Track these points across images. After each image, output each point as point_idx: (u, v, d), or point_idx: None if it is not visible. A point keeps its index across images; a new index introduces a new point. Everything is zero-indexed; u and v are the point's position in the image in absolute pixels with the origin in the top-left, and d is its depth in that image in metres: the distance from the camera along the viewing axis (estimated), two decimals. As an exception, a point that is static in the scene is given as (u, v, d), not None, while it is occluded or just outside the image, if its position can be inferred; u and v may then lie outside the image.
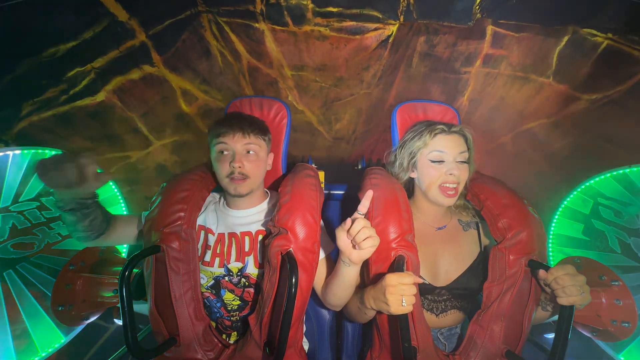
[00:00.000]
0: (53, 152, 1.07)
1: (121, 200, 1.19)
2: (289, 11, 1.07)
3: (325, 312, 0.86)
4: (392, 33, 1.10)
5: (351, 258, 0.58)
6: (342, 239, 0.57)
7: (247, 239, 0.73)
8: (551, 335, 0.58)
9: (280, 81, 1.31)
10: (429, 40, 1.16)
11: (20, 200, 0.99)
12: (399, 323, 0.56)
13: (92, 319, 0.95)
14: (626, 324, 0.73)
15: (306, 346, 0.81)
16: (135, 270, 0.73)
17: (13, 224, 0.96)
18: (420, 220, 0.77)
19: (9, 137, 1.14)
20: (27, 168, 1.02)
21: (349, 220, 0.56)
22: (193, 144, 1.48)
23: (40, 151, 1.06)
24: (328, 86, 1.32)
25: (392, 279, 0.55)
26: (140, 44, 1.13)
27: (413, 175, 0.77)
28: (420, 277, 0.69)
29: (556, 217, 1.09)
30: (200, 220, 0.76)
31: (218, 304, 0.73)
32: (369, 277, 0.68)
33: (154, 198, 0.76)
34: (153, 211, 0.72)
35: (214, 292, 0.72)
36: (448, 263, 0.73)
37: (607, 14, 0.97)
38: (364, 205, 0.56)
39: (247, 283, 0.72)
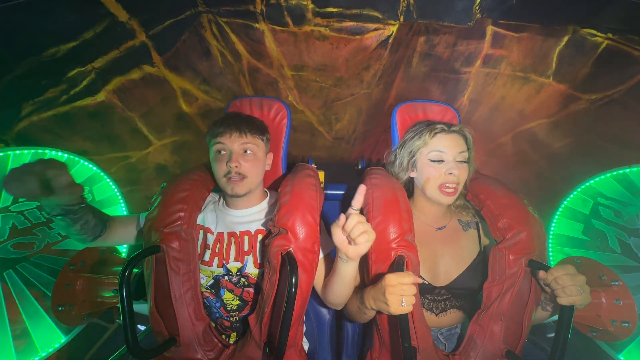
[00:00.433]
0: (53, 152, 1.07)
1: (121, 200, 1.19)
2: (289, 11, 1.07)
3: (325, 312, 0.86)
4: (392, 33, 1.11)
5: (348, 254, 0.57)
6: (338, 235, 0.56)
7: (246, 238, 0.73)
8: (551, 335, 0.58)
9: (280, 81, 1.31)
10: (429, 41, 1.16)
11: (20, 200, 0.99)
12: (399, 323, 0.56)
13: (92, 319, 0.95)
14: (626, 324, 0.73)
15: (306, 346, 0.81)
16: (135, 270, 0.73)
17: (13, 224, 0.97)
18: (420, 220, 0.77)
19: (9, 137, 1.14)
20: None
21: (342, 216, 0.55)
22: (193, 144, 1.48)
23: (40, 151, 1.06)
24: (328, 86, 1.32)
25: (391, 279, 0.55)
26: (140, 44, 1.13)
27: (413, 174, 0.77)
28: (420, 277, 0.69)
29: (556, 217, 1.09)
30: (199, 220, 0.76)
31: (217, 304, 0.73)
32: (369, 277, 0.68)
33: (154, 198, 0.76)
34: (153, 211, 0.73)
35: (213, 292, 0.72)
36: (448, 263, 0.73)
37: (606, 14, 0.97)
38: (357, 200, 0.55)
39: (246, 283, 0.72)
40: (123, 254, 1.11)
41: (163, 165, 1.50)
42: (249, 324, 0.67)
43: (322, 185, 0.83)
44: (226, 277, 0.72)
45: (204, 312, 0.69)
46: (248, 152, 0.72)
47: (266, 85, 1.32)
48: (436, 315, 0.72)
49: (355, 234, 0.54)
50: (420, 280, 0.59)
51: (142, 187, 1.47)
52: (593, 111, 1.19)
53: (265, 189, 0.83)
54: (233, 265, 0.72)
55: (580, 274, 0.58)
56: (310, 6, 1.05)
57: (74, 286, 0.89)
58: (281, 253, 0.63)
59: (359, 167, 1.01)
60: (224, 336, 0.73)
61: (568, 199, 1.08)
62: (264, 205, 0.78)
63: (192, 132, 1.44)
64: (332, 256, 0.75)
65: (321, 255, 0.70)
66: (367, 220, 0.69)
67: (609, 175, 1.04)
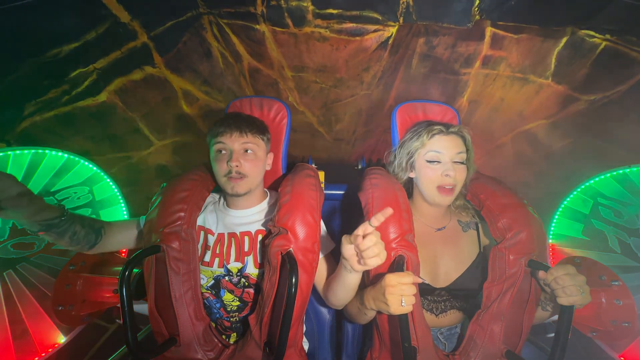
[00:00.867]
0: (53, 152, 1.08)
1: (121, 201, 1.19)
2: (289, 13, 1.07)
3: (325, 312, 0.85)
4: (391, 34, 1.11)
5: (354, 267, 0.56)
6: (348, 248, 0.54)
7: (246, 239, 0.74)
8: (551, 335, 0.58)
9: (280, 82, 1.32)
10: (429, 42, 1.17)
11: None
12: (399, 323, 0.56)
13: (92, 319, 0.95)
14: (626, 324, 0.73)
15: (306, 346, 0.81)
16: (135, 270, 0.73)
17: (13, 224, 0.97)
18: (419, 221, 0.77)
19: (12, 137, 1.14)
20: (27, 168, 1.03)
21: (360, 231, 0.51)
22: (194, 145, 1.48)
23: (41, 151, 1.06)
24: (328, 87, 1.32)
25: (391, 279, 0.55)
26: (141, 45, 1.14)
27: (412, 175, 0.77)
28: (419, 277, 0.69)
29: (556, 217, 1.09)
30: (199, 221, 0.76)
31: (218, 305, 0.73)
32: (369, 277, 0.68)
33: (154, 198, 0.76)
34: (153, 211, 0.73)
35: (213, 292, 0.72)
36: (447, 264, 0.73)
37: (605, 15, 0.97)
38: (377, 219, 0.51)
39: (246, 283, 0.72)
40: (123, 254, 1.11)
41: (164, 165, 1.50)
42: (249, 324, 0.67)
43: (322, 185, 0.83)
44: (226, 278, 0.72)
45: (204, 312, 0.69)
46: (249, 151, 0.72)
47: (267, 86, 1.33)
48: (436, 316, 0.72)
49: (368, 255, 0.51)
50: (420, 280, 0.59)
51: (143, 188, 1.47)
52: (592, 112, 1.19)
53: (266, 189, 0.83)
54: (233, 266, 0.72)
55: (580, 274, 0.58)
56: (311, 8, 1.05)
57: (74, 286, 0.89)
58: (281, 253, 0.63)
59: (359, 167, 1.01)
60: (224, 336, 0.73)
61: (568, 199, 1.08)
62: (264, 206, 0.78)
63: (192, 132, 1.45)
64: (332, 255, 0.75)
65: (322, 254, 0.70)
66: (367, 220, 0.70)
67: (609, 175, 1.04)
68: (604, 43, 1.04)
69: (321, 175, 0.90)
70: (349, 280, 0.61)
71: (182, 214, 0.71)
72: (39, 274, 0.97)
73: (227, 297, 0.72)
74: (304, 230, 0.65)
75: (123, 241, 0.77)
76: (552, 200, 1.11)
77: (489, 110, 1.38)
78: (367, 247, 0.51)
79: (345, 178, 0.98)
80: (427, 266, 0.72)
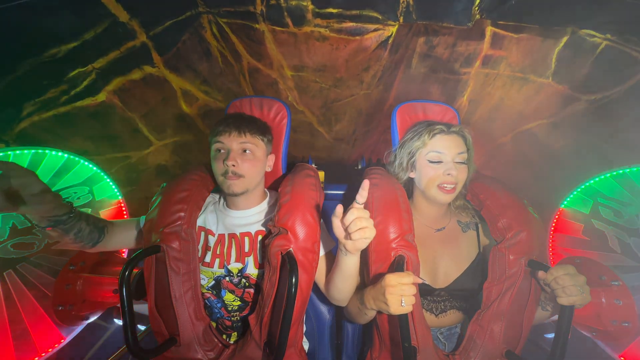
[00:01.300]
0: (53, 152, 1.08)
1: (121, 201, 1.19)
2: (289, 12, 1.07)
3: (325, 312, 0.85)
4: (391, 34, 1.11)
5: (346, 247, 0.56)
6: (337, 226, 0.55)
7: (246, 239, 0.74)
8: (551, 335, 0.58)
9: (280, 82, 1.31)
10: (429, 41, 1.17)
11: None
12: (399, 323, 0.56)
13: (92, 319, 0.95)
14: (626, 324, 0.73)
15: (306, 346, 0.81)
16: (135, 271, 0.73)
17: (13, 224, 0.96)
18: (419, 221, 0.77)
19: (10, 137, 1.14)
20: (27, 168, 1.02)
21: (340, 207, 0.53)
22: (193, 145, 1.48)
23: (41, 151, 1.06)
24: (328, 87, 1.32)
25: (391, 279, 0.55)
26: (140, 44, 1.13)
27: (412, 175, 0.77)
28: (419, 277, 0.69)
29: (556, 217, 1.09)
30: (200, 222, 0.76)
31: (219, 305, 0.73)
32: (369, 277, 0.68)
33: (154, 198, 0.76)
34: (153, 211, 0.73)
35: (214, 292, 0.72)
36: (447, 264, 0.73)
37: (605, 15, 0.97)
38: (361, 195, 0.53)
39: (247, 284, 0.72)
40: (123, 254, 1.11)
41: (163, 165, 1.50)
42: (249, 324, 0.67)
43: (322, 185, 0.83)
44: (227, 278, 0.72)
45: (204, 312, 0.69)
46: (247, 151, 0.72)
47: (266, 85, 1.33)
48: (436, 316, 0.72)
49: (352, 229, 0.52)
50: (420, 280, 0.59)
51: (142, 188, 1.47)
52: (592, 112, 1.19)
53: (265, 189, 0.83)
54: (234, 267, 0.72)
55: (580, 274, 0.58)
56: (310, 7, 1.05)
57: (74, 286, 0.89)
58: (281, 253, 0.63)
59: (359, 167, 1.01)
60: (224, 336, 0.74)
61: (568, 199, 1.08)
62: (264, 206, 0.78)
63: (192, 132, 1.45)
64: (333, 253, 0.75)
65: (322, 253, 0.70)
66: None
67: (609, 175, 1.04)
68: (605, 43, 1.04)
69: (321, 175, 0.90)
70: (345, 265, 0.61)
71: (182, 214, 0.71)
72: (39, 274, 0.97)
73: (228, 297, 0.72)
74: (304, 230, 0.65)
75: (124, 241, 0.77)
76: (552, 200, 1.10)
77: (489, 110, 1.38)
78: (349, 220, 0.52)
79: (345, 178, 0.98)
80: (426, 266, 0.72)
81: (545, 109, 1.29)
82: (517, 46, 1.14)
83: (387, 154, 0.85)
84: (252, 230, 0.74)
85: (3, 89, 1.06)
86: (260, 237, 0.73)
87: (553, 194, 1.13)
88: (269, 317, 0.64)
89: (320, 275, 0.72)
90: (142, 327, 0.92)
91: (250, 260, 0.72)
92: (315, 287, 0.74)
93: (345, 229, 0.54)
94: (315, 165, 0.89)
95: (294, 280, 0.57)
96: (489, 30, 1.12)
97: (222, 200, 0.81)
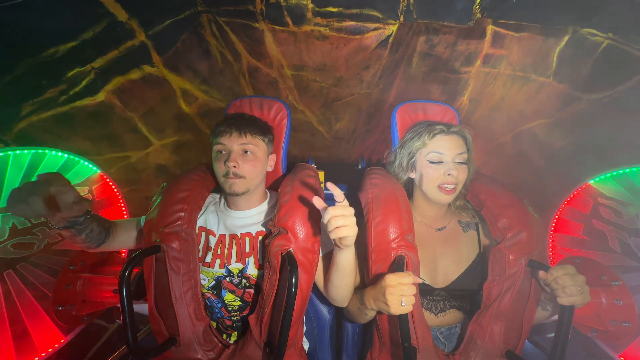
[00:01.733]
0: (53, 152, 1.07)
1: (121, 201, 1.19)
2: (288, 11, 1.07)
3: (325, 312, 0.86)
4: (392, 33, 1.10)
5: (335, 242, 0.57)
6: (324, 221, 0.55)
7: (247, 240, 0.73)
8: (551, 335, 0.58)
9: (280, 81, 1.31)
10: (429, 40, 1.16)
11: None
12: (399, 323, 0.56)
13: (92, 319, 0.95)
14: (626, 324, 0.73)
15: (306, 346, 0.81)
16: (135, 271, 0.73)
17: (13, 224, 0.96)
18: (419, 221, 0.77)
19: (9, 137, 1.14)
20: (27, 168, 1.02)
21: (317, 201, 0.55)
22: (193, 144, 1.48)
23: (40, 151, 1.06)
24: (328, 86, 1.31)
25: (391, 279, 0.55)
26: (140, 44, 1.13)
27: (412, 175, 0.77)
28: (419, 277, 0.69)
29: (556, 217, 1.08)
30: (201, 222, 0.76)
31: (219, 305, 0.73)
32: (369, 277, 0.68)
33: (154, 198, 0.76)
34: (153, 211, 0.73)
35: (215, 292, 0.72)
36: (447, 264, 0.73)
37: (607, 13, 0.97)
38: (337, 195, 0.55)
39: (247, 284, 0.72)
40: (123, 254, 1.11)
41: (163, 165, 1.50)
42: (250, 324, 0.67)
43: (322, 185, 0.83)
44: (227, 279, 0.72)
45: (204, 312, 0.69)
46: (248, 152, 0.72)
47: (266, 85, 1.32)
48: (435, 315, 0.72)
49: (330, 228, 0.53)
50: (420, 280, 0.59)
51: (142, 188, 1.47)
52: (593, 111, 1.19)
53: (266, 190, 0.83)
54: (235, 267, 0.72)
55: (580, 274, 0.58)
56: (310, 6, 1.05)
57: (74, 286, 0.89)
58: (281, 253, 0.63)
59: (359, 167, 1.01)
60: (225, 336, 0.74)
61: (568, 199, 1.08)
62: (264, 207, 0.78)
63: (192, 132, 1.44)
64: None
65: (322, 253, 0.70)
66: (367, 220, 0.70)
67: (609, 175, 1.04)
68: (606, 42, 1.03)
69: (321, 175, 0.90)
70: (339, 260, 0.61)
71: (182, 214, 0.71)
72: (39, 274, 0.97)
73: (229, 297, 0.72)
74: (304, 230, 0.65)
75: (126, 241, 0.77)
76: (552, 200, 1.10)
77: (490, 109, 1.38)
78: (326, 220, 0.53)
79: (345, 178, 0.98)
80: (426, 266, 0.72)
81: (546, 109, 1.29)
82: (518, 45, 1.14)
83: (387, 154, 0.85)
84: (253, 230, 0.74)
85: (2, 89, 1.06)
86: (260, 238, 0.73)
87: (553, 194, 1.12)
88: (269, 317, 0.64)
89: (319, 276, 0.72)
90: (142, 327, 0.92)
91: (250, 261, 0.72)
92: (316, 287, 0.74)
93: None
94: (315, 165, 0.89)
95: (294, 280, 0.57)
96: (490, 29, 1.12)
97: (222, 200, 0.81)
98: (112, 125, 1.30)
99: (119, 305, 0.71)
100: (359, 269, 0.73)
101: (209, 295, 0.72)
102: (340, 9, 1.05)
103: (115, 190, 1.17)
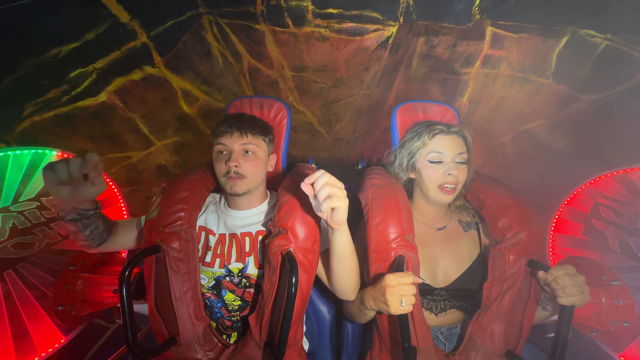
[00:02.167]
0: (54, 152, 1.08)
1: (121, 201, 1.19)
2: (289, 13, 1.07)
3: (325, 312, 0.85)
4: (391, 34, 1.11)
5: (327, 222, 0.55)
6: (308, 191, 0.52)
7: (247, 239, 0.74)
8: (551, 335, 0.58)
9: (280, 82, 1.32)
10: (429, 41, 1.17)
11: (20, 200, 1.00)
12: (399, 323, 0.56)
13: (92, 319, 0.95)
14: (626, 324, 0.73)
15: (306, 346, 0.81)
16: (135, 271, 0.73)
17: (13, 224, 0.97)
18: (419, 221, 0.77)
19: (11, 137, 1.14)
20: (27, 168, 1.03)
21: (308, 178, 0.51)
22: (194, 145, 1.48)
23: (40, 151, 1.06)
24: (328, 87, 1.32)
25: (391, 279, 0.55)
26: (141, 45, 1.14)
27: (412, 175, 0.77)
28: (419, 277, 0.69)
29: (556, 217, 1.08)
30: (201, 221, 0.76)
31: (219, 304, 0.73)
32: (369, 277, 0.68)
33: (154, 198, 0.76)
34: (153, 211, 0.73)
35: (215, 292, 0.72)
36: (447, 264, 0.73)
37: (606, 14, 0.97)
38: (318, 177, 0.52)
39: (247, 284, 0.72)
40: (123, 254, 1.11)
41: (164, 165, 1.50)
42: (250, 324, 0.67)
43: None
44: (227, 278, 0.72)
45: (204, 312, 0.69)
46: (249, 152, 0.72)
47: (266, 86, 1.33)
48: (435, 315, 0.72)
49: (321, 197, 0.51)
50: (420, 280, 0.59)
51: (143, 188, 1.47)
52: (593, 111, 1.19)
53: (267, 190, 0.83)
54: (234, 267, 0.72)
55: (580, 274, 0.58)
56: (311, 7, 1.05)
57: (74, 286, 0.89)
58: (281, 253, 0.63)
59: (359, 167, 1.01)
60: (224, 336, 0.73)
61: (568, 199, 1.08)
62: (264, 207, 0.78)
63: (192, 132, 1.45)
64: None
65: (322, 249, 0.70)
66: (367, 220, 0.70)
67: (609, 175, 1.04)
68: (605, 42, 1.04)
69: (321, 175, 0.90)
70: (335, 244, 0.60)
71: (183, 214, 0.71)
72: (39, 274, 0.97)
73: (229, 297, 0.72)
74: (304, 230, 0.65)
75: (126, 241, 0.77)
76: (552, 201, 1.10)
77: (489, 109, 1.38)
78: (318, 187, 0.51)
79: (345, 178, 0.98)
80: (426, 266, 0.72)
81: (546, 109, 1.29)
82: (518, 46, 1.14)
83: (387, 154, 0.85)
84: (253, 230, 0.74)
85: (4, 89, 1.07)
86: (260, 237, 0.74)
87: (553, 194, 1.13)
88: (269, 317, 0.64)
89: (321, 272, 0.71)
90: (142, 327, 0.92)
91: (250, 260, 0.72)
92: (315, 287, 0.74)
93: (316, 197, 0.52)
94: (315, 165, 0.89)
95: (294, 280, 0.57)
96: (489, 30, 1.12)
97: (222, 200, 0.81)
98: (113, 126, 1.30)
99: (119, 305, 0.71)
100: (360, 269, 0.73)
101: (209, 295, 0.72)
102: (341, 10, 1.06)
103: (116, 190, 1.17)
